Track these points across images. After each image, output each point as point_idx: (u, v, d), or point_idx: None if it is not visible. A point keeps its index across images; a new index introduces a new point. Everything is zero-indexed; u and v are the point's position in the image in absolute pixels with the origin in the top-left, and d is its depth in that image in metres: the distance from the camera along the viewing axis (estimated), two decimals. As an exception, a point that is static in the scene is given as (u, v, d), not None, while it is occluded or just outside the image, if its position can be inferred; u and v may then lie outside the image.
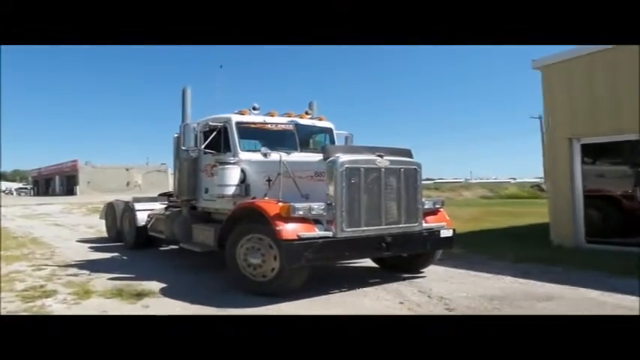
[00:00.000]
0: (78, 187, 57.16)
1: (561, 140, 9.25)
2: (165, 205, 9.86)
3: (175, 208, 8.93)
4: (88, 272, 7.65)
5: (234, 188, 6.95)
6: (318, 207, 5.76)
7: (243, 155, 7.23)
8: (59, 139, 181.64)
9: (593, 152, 9.17)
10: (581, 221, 9.08)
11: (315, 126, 8.36)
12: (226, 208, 7.02)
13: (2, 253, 9.82)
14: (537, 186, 40.99)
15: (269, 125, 7.77)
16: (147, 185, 52.33)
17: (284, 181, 6.32)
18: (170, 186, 13.92)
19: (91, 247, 11.05)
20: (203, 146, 7.60)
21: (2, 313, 4.95)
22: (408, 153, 6.59)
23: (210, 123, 7.69)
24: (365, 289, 6.31)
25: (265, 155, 7.05)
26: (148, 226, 9.99)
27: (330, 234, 5.72)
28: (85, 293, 6.12)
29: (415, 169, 6.48)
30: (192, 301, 5.70)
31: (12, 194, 73.09)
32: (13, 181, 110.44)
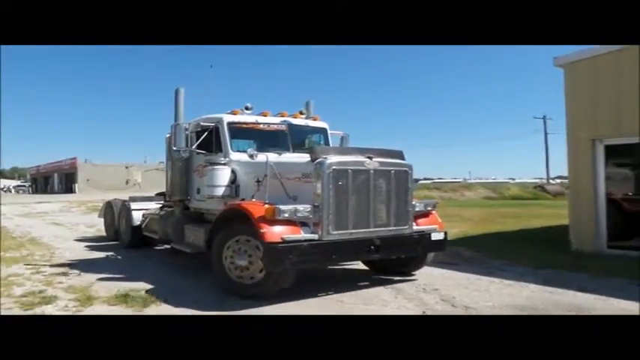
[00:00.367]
0: (77, 185, 56.83)
1: (584, 141, 8.88)
2: (160, 205, 9.67)
3: (170, 208, 8.78)
4: (88, 275, 7.36)
5: (223, 189, 6.88)
6: (304, 209, 5.62)
7: (234, 156, 7.12)
8: (58, 137, 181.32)
9: (617, 154, 8.84)
10: (603, 225, 8.74)
11: (308, 126, 8.21)
12: (216, 209, 6.90)
13: (1, 254, 9.50)
14: (540, 187, 40.75)
15: (261, 125, 7.64)
16: (146, 184, 51.89)
17: (271, 183, 6.24)
18: (167, 186, 13.64)
19: (90, 248, 10.83)
20: (194, 146, 7.49)
21: (2, 313, 4.82)
22: (399, 155, 6.42)
23: (202, 123, 7.60)
24: (384, 297, 5.97)
25: (252, 156, 6.96)
26: (143, 225, 9.88)
27: (315, 237, 5.59)
28: (87, 299, 5.78)
29: (406, 171, 6.31)
30: (199, 308, 5.44)
31: (10, 192, 72.63)
32: (12, 178, 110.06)
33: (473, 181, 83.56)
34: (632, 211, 8.87)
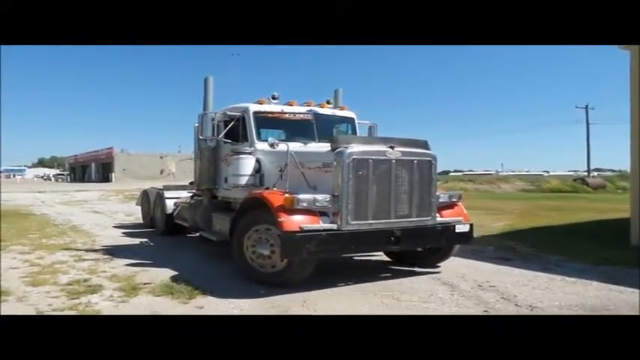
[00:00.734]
0: (113, 174, 58.16)
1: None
2: (191, 194, 9.75)
3: (199, 197, 8.86)
4: (130, 263, 7.31)
5: (247, 178, 6.92)
6: (323, 199, 5.57)
7: (259, 145, 7.13)
8: (96, 127, 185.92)
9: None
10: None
11: (335, 115, 8.12)
12: (241, 198, 6.83)
13: (44, 241, 9.61)
14: (581, 179, 39.26)
15: (287, 115, 7.60)
16: (180, 173, 52.60)
17: (292, 172, 6.20)
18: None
19: (128, 235, 11.01)
20: (221, 135, 7.51)
21: (2, 313, 4.80)
22: (423, 144, 6.26)
23: (229, 112, 7.63)
24: (440, 295, 5.62)
25: (272, 145, 6.96)
26: (174, 213, 10.14)
27: (334, 226, 5.53)
28: (132, 290, 5.67)
29: (429, 161, 6.16)
30: (244, 296, 5.42)
31: (50, 180, 74.96)
32: (51, 167, 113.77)
33: (505, 173, 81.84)
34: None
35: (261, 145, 7.11)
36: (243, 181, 6.91)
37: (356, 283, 6.10)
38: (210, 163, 7.95)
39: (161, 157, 61.60)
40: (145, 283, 5.95)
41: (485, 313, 4.97)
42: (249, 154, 7.02)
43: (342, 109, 8.32)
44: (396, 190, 5.86)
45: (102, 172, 64.70)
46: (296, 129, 7.61)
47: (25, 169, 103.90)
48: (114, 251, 8.40)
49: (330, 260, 6.79)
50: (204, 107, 7.90)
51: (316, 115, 7.75)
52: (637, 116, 8.23)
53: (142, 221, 12.79)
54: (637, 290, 5.63)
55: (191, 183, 10.59)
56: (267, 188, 6.49)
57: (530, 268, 6.91)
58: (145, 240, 10.06)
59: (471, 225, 6.61)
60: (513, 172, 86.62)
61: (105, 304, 5.12)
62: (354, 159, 5.60)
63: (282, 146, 6.68)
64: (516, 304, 5.18)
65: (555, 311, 4.95)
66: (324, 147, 6.11)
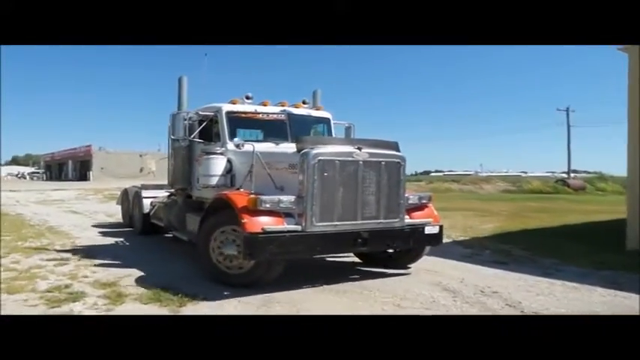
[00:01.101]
0: (91, 173, 56.86)
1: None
2: (168, 194, 9.54)
3: (175, 196, 8.78)
4: (114, 267, 6.95)
5: (217, 178, 6.89)
6: (287, 200, 5.56)
7: (231, 145, 7.08)
8: (73, 125, 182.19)
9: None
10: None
11: (310, 116, 8.06)
12: (211, 198, 6.81)
13: (19, 244, 9.13)
14: (562, 181, 39.80)
15: (260, 115, 7.55)
16: (160, 172, 51.63)
17: (259, 173, 6.18)
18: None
19: (110, 236, 10.63)
20: (193, 135, 7.42)
21: (2, 313, 4.74)
22: (393, 146, 6.25)
23: (202, 112, 7.62)
24: (443, 302, 5.40)
25: (238, 146, 6.91)
26: (151, 213, 10.06)
27: (299, 228, 5.50)
28: (118, 297, 5.32)
29: (398, 162, 6.12)
30: (237, 302, 5.27)
31: (24, 178, 73.06)
32: (26, 165, 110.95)
33: (485, 173, 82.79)
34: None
35: (233, 146, 7.05)
36: (214, 181, 6.88)
37: (334, 283, 5.94)
38: (185, 162, 7.85)
39: (140, 156, 60.39)
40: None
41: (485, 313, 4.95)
42: (221, 154, 6.97)
43: (317, 109, 8.27)
44: (363, 192, 5.83)
45: (79, 171, 63.16)
46: (269, 129, 7.61)
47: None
48: (95, 254, 7.98)
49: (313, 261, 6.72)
50: (179, 107, 7.89)
51: (290, 115, 7.70)
52: (636, 117, 8.15)
53: (122, 221, 12.50)
54: (641, 296, 5.51)
55: None
56: (238, 189, 6.39)
57: (528, 273, 6.77)
58: (126, 241, 9.75)
59: (441, 226, 6.59)
60: (492, 172, 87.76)
61: (88, 312, 4.79)
62: (319, 160, 5.57)
63: (247, 147, 6.58)
64: (522, 311, 5.01)
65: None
66: (292, 148, 6.02)
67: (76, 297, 5.28)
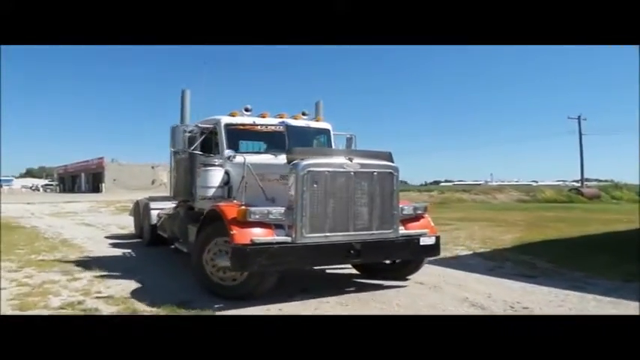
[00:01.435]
0: (104, 185, 57.22)
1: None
2: (175, 205, 9.51)
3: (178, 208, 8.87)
4: (127, 281, 6.81)
5: (214, 190, 6.97)
6: (277, 211, 5.56)
7: (238, 157, 7.01)
8: (86, 137, 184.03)
9: None
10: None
11: (309, 127, 8.12)
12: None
13: (33, 257, 9.05)
14: (576, 189, 39.21)
15: (258, 127, 7.66)
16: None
17: (251, 184, 6.26)
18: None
19: (122, 248, 10.64)
20: (192, 148, 7.51)
21: (2, 313, 4.78)
22: (386, 156, 6.21)
23: (201, 125, 7.73)
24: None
25: (229, 158, 7.03)
26: (158, 224, 10.16)
27: (288, 239, 5.50)
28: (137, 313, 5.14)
29: (390, 172, 6.08)
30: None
31: (38, 190, 73.76)
32: (40, 177, 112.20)
33: (495, 183, 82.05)
34: None
35: (240, 157, 6.96)
36: (210, 192, 6.95)
37: (338, 295, 5.73)
38: (186, 174, 7.91)
39: (152, 167, 60.71)
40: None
41: (485, 313, 4.99)
42: (219, 166, 7.07)
43: (317, 120, 8.32)
44: (355, 203, 5.80)
45: (92, 183, 63.69)
46: (267, 141, 7.71)
47: (12, 180, 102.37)
48: (108, 268, 7.83)
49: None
50: (181, 119, 8.02)
51: (288, 126, 7.75)
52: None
53: (134, 232, 12.62)
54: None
55: None
56: (234, 200, 6.43)
57: (557, 286, 6.48)
58: (138, 254, 9.73)
59: (437, 237, 6.46)
60: (502, 182, 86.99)
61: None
62: (308, 171, 5.57)
63: (239, 158, 6.74)
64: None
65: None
66: (282, 159, 6.00)
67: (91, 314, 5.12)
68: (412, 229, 6.38)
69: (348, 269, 7.46)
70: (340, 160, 5.81)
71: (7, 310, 5.26)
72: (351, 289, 6.42)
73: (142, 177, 57.83)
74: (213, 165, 7.07)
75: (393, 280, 6.80)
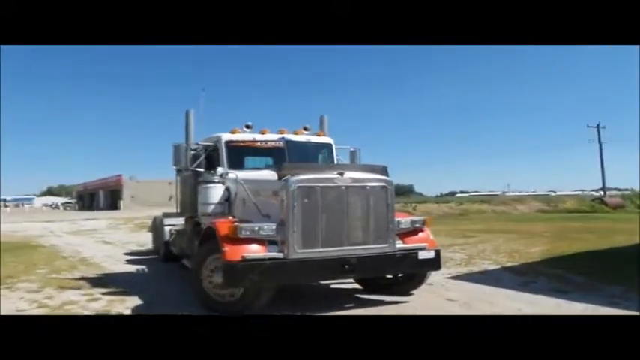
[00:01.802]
0: (122, 202, 57.76)
1: None
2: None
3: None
4: (147, 302, 6.58)
5: (213, 206, 7.10)
6: (268, 227, 5.60)
7: (229, 174, 7.23)
8: (104, 155, 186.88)
9: None
10: None
11: (310, 142, 8.20)
12: None
13: (54, 276, 8.99)
14: (599, 199, 38.31)
15: (258, 143, 7.82)
16: (188, 200, 52.08)
17: (244, 200, 6.45)
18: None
19: (140, 265, 10.68)
20: (194, 165, 7.72)
21: (2, 313, 4.82)
22: (380, 170, 6.25)
23: (203, 143, 7.97)
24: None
25: (221, 175, 7.21)
26: (170, 240, 10.32)
27: (280, 255, 5.52)
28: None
29: (384, 186, 6.06)
30: None
31: (58, 208, 74.85)
32: (59, 195, 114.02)
33: (512, 194, 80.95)
34: None
35: (232, 174, 7.13)
36: (210, 209, 7.08)
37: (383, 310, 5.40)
38: (192, 190, 7.97)
39: (169, 184, 61.05)
40: None
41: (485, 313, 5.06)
42: (220, 182, 7.19)
43: (319, 135, 8.36)
44: (348, 217, 5.79)
45: (110, 200, 64.39)
46: (268, 157, 7.88)
47: (33, 198, 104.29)
48: (128, 287, 7.72)
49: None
50: (186, 138, 8.10)
51: (288, 142, 7.86)
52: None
53: (152, 248, 12.61)
54: None
55: None
56: (235, 216, 6.53)
57: (594, 302, 6.12)
58: (156, 272, 9.71)
59: (438, 251, 6.35)
60: (520, 192, 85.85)
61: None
62: (299, 187, 5.61)
63: (231, 175, 6.92)
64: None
65: None
66: (275, 175, 6.08)
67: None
68: (411, 243, 6.30)
69: (351, 284, 7.33)
70: (331, 175, 5.84)
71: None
72: (380, 308, 6.17)
73: (159, 193, 58.03)
74: (214, 182, 7.19)
75: (398, 295, 6.70)
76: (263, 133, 7.89)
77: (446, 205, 37.74)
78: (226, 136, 7.67)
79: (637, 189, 41.43)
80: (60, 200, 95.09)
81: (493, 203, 40.70)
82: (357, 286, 7.26)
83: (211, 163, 7.65)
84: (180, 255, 9.06)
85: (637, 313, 4.91)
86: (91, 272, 9.60)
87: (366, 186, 5.94)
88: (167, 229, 10.44)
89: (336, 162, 8.19)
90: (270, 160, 7.81)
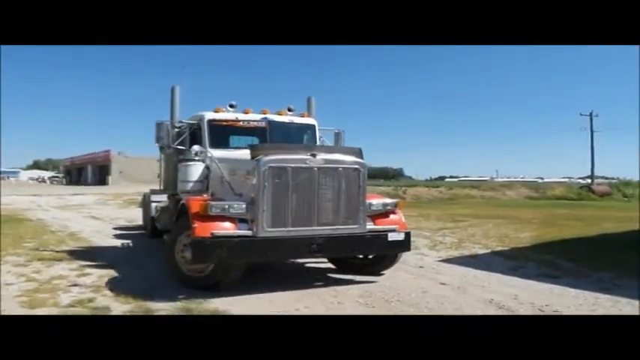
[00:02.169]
0: (110, 177, 57.26)
1: None
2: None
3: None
4: (137, 277, 6.66)
5: (191, 184, 7.20)
6: (238, 206, 5.68)
7: (211, 152, 7.22)
8: (92, 129, 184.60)
9: None
10: None
11: (293, 123, 8.22)
12: None
13: (42, 249, 8.90)
14: (587, 186, 38.71)
15: (241, 123, 7.86)
16: (178, 177, 51.75)
17: (218, 179, 6.57)
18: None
19: (130, 242, 10.61)
20: (176, 143, 7.77)
21: (2, 313, 4.79)
22: (354, 152, 6.24)
23: (187, 121, 8.01)
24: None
25: (196, 154, 7.23)
26: (155, 216, 10.39)
27: (249, 233, 5.61)
28: (147, 313, 4.93)
29: (357, 168, 6.08)
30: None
31: (45, 182, 73.98)
32: (46, 169, 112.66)
33: (500, 179, 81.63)
34: None
35: (216, 153, 7.12)
36: (189, 186, 7.18)
37: (382, 294, 5.43)
38: (174, 168, 7.97)
39: (158, 161, 60.64)
40: None
41: (484, 313, 5.03)
42: (200, 160, 7.24)
43: (303, 115, 8.36)
44: (319, 198, 5.84)
45: (98, 175, 63.76)
46: (251, 136, 7.86)
47: (19, 172, 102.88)
48: (117, 263, 7.65)
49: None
50: (171, 115, 8.08)
51: (270, 122, 7.92)
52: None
53: (142, 224, 12.51)
54: None
55: None
56: (213, 194, 6.66)
57: (585, 288, 6.20)
58: (145, 248, 9.66)
59: (408, 233, 6.43)
60: (508, 178, 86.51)
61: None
62: (270, 167, 5.66)
63: (208, 154, 6.98)
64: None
65: None
66: (248, 154, 6.07)
67: (103, 313, 4.91)
68: (381, 225, 6.36)
69: (325, 264, 7.42)
70: (302, 155, 5.85)
71: (16, 307, 5.09)
72: (375, 290, 6.17)
73: (149, 170, 57.64)
74: (194, 160, 7.22)
75: (369, 275, 6.81)
76: (246, 113, 7.92)
77: (436, 190, 37.93)
78: (209, 115, 7.70)
79: (624, 177, 41.87)
80: (47, 174, 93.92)
81: (482, 188, 40.96)
82: (331, 265, 7.34)
83: (195, 140, 7.67)
84: (163, 231, 9.07)
85: (637, 314, 4.92)
86: (80, 247, 9.50)
87: (338, 167, 5.96)
88: (153, 205, 10.51)
89: (319, 143, 8.18)
90: (254, 140, 7.77)
